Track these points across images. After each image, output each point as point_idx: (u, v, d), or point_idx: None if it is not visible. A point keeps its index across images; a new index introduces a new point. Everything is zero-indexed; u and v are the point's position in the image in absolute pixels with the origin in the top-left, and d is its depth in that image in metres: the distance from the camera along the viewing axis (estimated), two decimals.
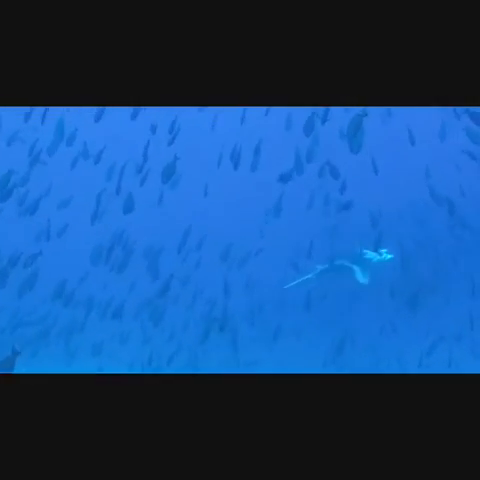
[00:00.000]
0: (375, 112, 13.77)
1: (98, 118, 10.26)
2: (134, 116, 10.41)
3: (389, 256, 13.74)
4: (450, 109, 10.35)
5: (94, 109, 10.38)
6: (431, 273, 17.90)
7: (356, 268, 13.91)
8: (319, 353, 16.08)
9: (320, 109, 9.53)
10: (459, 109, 10.42)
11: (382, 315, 16.37)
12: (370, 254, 13.87)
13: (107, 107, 10.54)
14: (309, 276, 14.52)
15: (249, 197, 20.89)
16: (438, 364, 15.29)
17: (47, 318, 16.47)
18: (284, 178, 10.30)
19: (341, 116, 12.77)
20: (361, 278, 13.71)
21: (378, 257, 13.71)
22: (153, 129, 10.85)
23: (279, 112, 10.43)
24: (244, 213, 21.25)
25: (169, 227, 16.18)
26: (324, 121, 9.34)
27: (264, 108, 10.33)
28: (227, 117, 13.67)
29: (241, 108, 11.96)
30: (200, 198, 13.54)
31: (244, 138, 12.23)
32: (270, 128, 12.06)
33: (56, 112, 11.86)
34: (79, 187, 15.90)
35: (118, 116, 13.19)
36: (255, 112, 11.44)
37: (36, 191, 13.00)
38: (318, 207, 16.73)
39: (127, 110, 10.80)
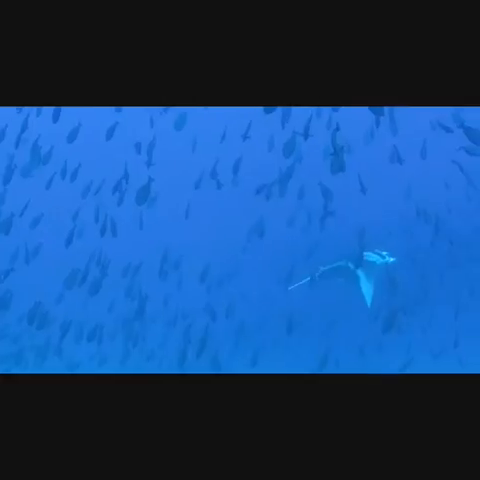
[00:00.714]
0: (360, 130, 13.62)
1: (73, 137, 10.02)
2: (110, 135, 10.18)
3: (391, 259, 13.57)
4: (439, 122, 10.22)
5: (69, 127, 10.13)
6: (417, 290, 17.89)
7: (360, 273, 13.64)
8: (301, 372, 15.89)
9: (300, 126, 9.38)
10: (451, 122, 10.32)
11: (365, 332, 16.19)
12: (373, 256, 13.65)
13: (84, 125, 10.29)
14: (311, 277, 14.33)
15: (230, 216, 20.79)
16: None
17: (21, 339, 16.16)
18: (261, 190, 10.06)
19: (323, 133, 12.56)
20: (365, 291, 13.43)
21: (381, 260, 13.52)
22: (130, 149, 10.61)
23: (260, 131, 10.18)
24: (225, 232, 21.15)
25: (148, 246, 15.94)
26: (306, 137, 9.21)
27: (245, 126, 10.12)
28: (207, 136, 13.50)
29: (222, 127, 11.76)
30: (180, 218, 13.31)
31: (224, 157, 12.05)
32: (251, 148, 11.86)
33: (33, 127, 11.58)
34: (55, 206, 15.64)
35: (94, 134, 12.96)
36: (236, 130, 11.25)
37: (9, 210, 12.71)
38: (300, 225, 16.61)
39: (103, 129, 10.55)
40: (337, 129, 8.21)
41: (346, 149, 11.57)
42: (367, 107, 6.76)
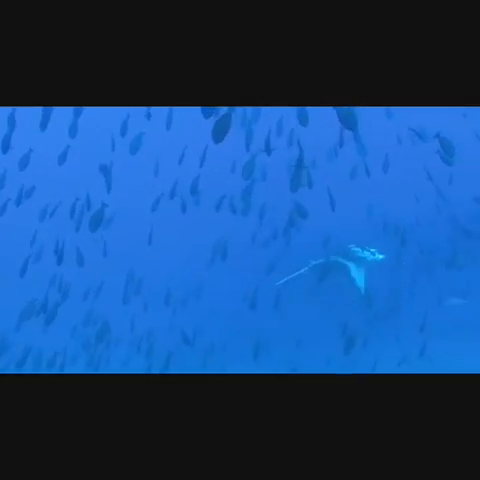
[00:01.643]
0: (325, 145, 13.52)
1: (25, 164, 9.72)
2: (62, 160, 9.92)
3: (381, 256, 13.65)
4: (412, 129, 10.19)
5: (21, 153, 9.84)
6: (387, 299, 17.99)
7: (351, 265, 13.65)
8: None
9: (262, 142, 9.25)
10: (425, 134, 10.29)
11: (332, 348, 16.13)
12: (363, 253, 13.69)
13: (35, 151, 10.01)
14: (302, 271, 14.28)
15: (192, 237, 20.64)
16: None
17: None
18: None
19: (284, 149, 12.43)
20: (357, 279, 13.43)
21: (371, 257, 13.58)
22: (87, 173, 10.34)
23: (220, 152, 10.01)
24: (188, 252, 21.02)
25: (110, 270, 15.67)
26: (269, 153, 9.14)
27: (202, 149, 9.99)
28: (166, 159, 13.29)
29: (180, 148, 11.57)
30: (143, 243, 13.08)
31: (183, 178, 11.86)
32: (211, 168, 11.66)
33: None
34: (12, 231, 15.32)
35: (46, 161, 12.67)
36: (195, 152, 11.07)
37: None
38: (265, 241, 16.51)
39: (55, 154, 10.28)
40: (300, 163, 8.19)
41: (310, 166, 11.46)
42: (334, 109, 6.68)
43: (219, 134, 6.91)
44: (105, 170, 10.28)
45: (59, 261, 10.08)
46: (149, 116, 11.45)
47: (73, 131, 10.05)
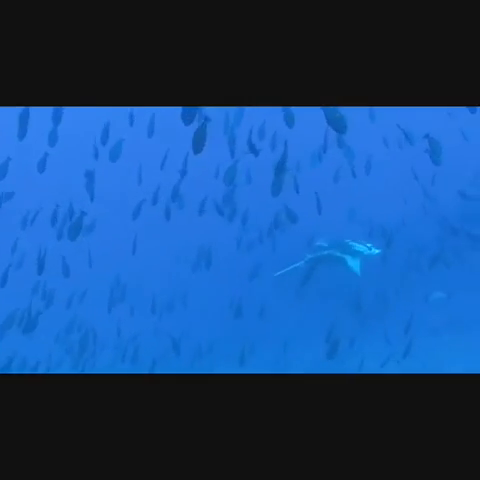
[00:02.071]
0: (311, 147, 13.41)
1: (4, 173, 9.61)
2: (41, 169, 9.81)
3: (377, 251, 13.70)
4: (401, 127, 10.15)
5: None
6: (375, 301, 18.01)
7: (347, 258, 13.68)
8: None
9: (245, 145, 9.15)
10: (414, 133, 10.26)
11: (320, 346, 16.08)
12: (359, 246, 13.74)
13: (14, 159, 9.89)
14: (297, 264, 14.31)
15: (176, 242, 20.52)
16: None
17: None
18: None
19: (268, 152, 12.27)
20: (354, 268, 13.48)
21: (368, 251, 13.61)
22: (68, 181, 10.22)
23: (204, 156, 9.92)
24: (171, 261, 20.93)
25: (94, 277, 15.53)
26: (257, 154, 9.11)
27: (183, 156, 9.88)
28: (147, 164, 13.15)
29: (162, 153, 11.43)
30: (127, 251, 12.96)
31: (165, 184, 11.74)
32: (194, 173, 11.54)
33: None
34: None
35: (25, 168, 12.52)
36: (176, 158, 10.96)
37: None
38: (251, 246, 16.45)
39: (34, 163, 10.15)
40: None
41: (295, 169, 11.39)
42: (322, 110, 6.63)
43: (198, 145, 6.95)
44: (88, 177, 10.18)
45: (41, 269, 9.98)
46: (131, 121, 11.31)
47: (53, 138, 9.88)
